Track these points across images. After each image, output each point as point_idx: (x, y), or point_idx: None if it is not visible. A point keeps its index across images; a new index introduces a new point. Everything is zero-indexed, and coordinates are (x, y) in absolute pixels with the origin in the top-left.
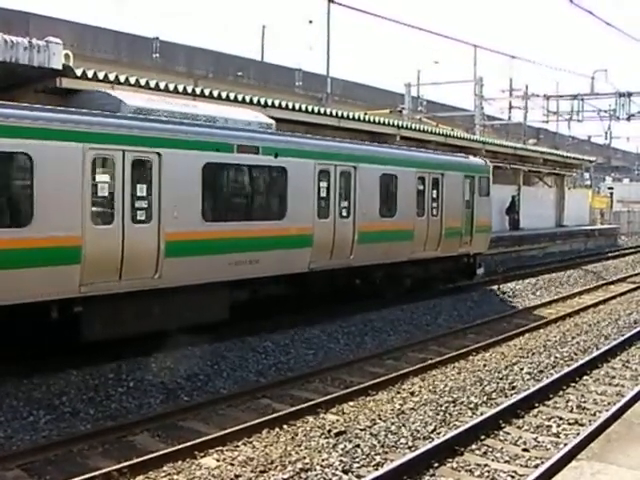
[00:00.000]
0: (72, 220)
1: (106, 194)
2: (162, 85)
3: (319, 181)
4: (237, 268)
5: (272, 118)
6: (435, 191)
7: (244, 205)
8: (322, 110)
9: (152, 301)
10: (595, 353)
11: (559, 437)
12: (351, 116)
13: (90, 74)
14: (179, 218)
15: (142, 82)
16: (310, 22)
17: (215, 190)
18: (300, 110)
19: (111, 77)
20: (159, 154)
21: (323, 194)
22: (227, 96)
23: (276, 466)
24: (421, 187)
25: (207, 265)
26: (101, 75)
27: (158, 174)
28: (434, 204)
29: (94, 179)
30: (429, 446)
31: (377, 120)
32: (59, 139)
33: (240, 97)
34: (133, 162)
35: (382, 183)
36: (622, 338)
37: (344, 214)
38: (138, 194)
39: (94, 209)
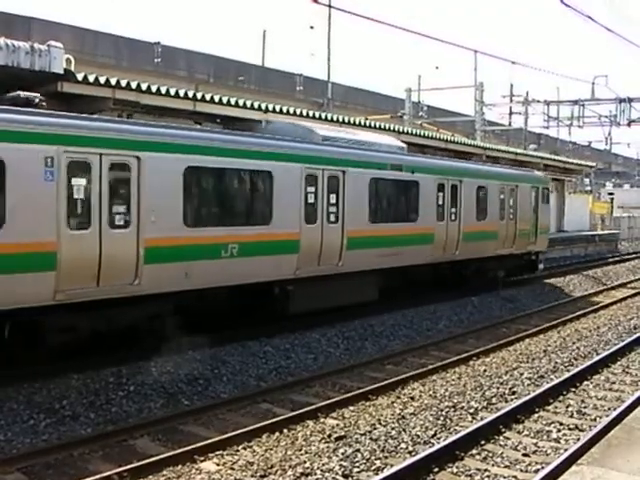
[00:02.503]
0: (293, 221)
1: (312, 201)
2: (163, 90)
3: (438, 192)
4: (387, 259)
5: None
6: (512, 199)
7: (392, 211)
8: (323, 115)
9: (334, 283)
10: (595, 358)
11: (559, 442)
12: (352, 121)
13: (91, 79)
14: (356, 219)
15: (143, 87)
16: (311, 27)
17: (377, 199)
18: (301, 115)
19: (112, 82)
20: (344, 172)
21: (440, 202)
22: (228, 100)
23: (276, 470)
24: (502, 196)
25: (369, 256)
26: (102, 79)
27: (343, 188)
28: (511, 210)
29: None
30: (429, 451)
31: (378, 125)
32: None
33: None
34: (328, 178)
35: (478, 194)
36: (622, 343)
37: (452, 218)
38: (330, 202)
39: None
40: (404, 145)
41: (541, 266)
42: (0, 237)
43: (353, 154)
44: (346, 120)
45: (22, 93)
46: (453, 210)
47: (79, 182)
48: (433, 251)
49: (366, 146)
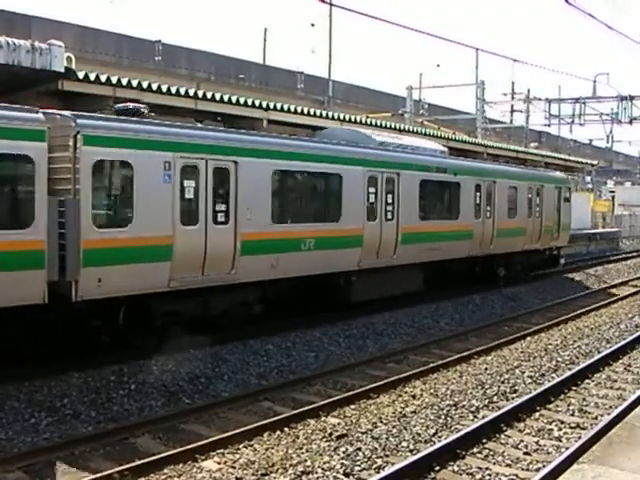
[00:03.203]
0: (357, 218)
1: (373, 200)
2: (164, 88)
3: (475, 192)
4: (432, 253)
5: (277, 122)
6: (538, 198)
7: (438, 209)
8: (324, 113)
9: (388, 275)
10: (597, 357)
11: (561, 441)
12: (353, 119)
13: (92, 77)
14: (408, 217)
15: (144, 85)
16: (312, 25)
17: (425, 198)
18: (302, 113)
19: (113, 80)
20: (398, 174)
21: (477, 201)
22: (229, 99)
23: (277, 469)
24: (530, 195)
25: (418, 250)
26: (103, 78)
27: (398, 188)
28: (537, 208)
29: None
30: (430, 449)
31: (379, 123)
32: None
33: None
34: (386, 180)
35: (509, 194)
36: (624, 342)
37: (488, 216)
38: (387, 201)
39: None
40: (446, 149)
41: (562, 261)
42: (128, 232)
43: (406, 158)
44: (347, 118)
45: (131, 104)
46: (488, 208)
47: (189, 184)
48: (471, 246)
49: (415, 150)
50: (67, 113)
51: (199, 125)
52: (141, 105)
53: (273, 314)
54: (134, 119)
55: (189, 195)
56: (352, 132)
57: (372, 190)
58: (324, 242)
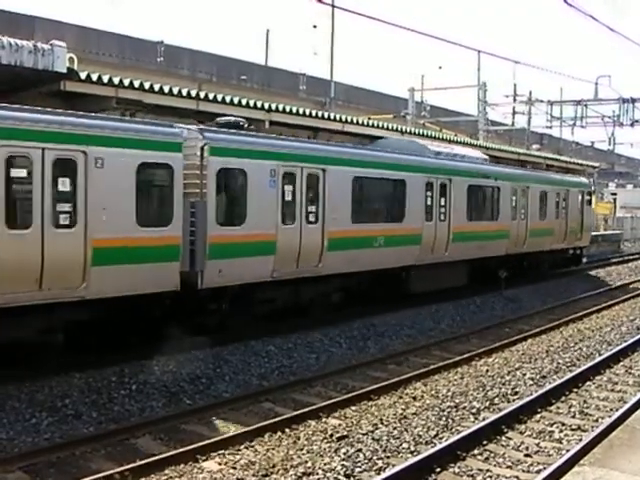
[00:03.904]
0: (417, 218)
1: (430, 203)
2: (166, 89)
3: (512, 195)
4: (475, 251)
5: (279, 123)
6: (564, 202)
7: (481, 211)
8: (326, 115)
9: (439, 270)
10: (598, 359)
11: (561, 443)
12: (355, 121)
13: (94, 77)
14: (458, 218)
15: (146, 86)
16: (314, 27)
17: (471, 201)
18: (304, 114)
19: (115, 81)
20: (450, 180)
21: (514, 204)
22: (231, 100)
23: (278, 470)
24: (557, 199)
25: (465, 248)
26: (105, 78)
27: (449, 193)
28: (564, 211)
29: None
30: (431, 451)
31: (381, 125)
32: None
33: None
34: (440, 185)
35: (541, 197)
36: (625, 344)
37: (522, 217)
38: (441, 204)
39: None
40: (487, 157)
41: (584, 259)
42: (242, 229)
43: (457, 166)
44: (349, 119)
45: (232, 118)
46: (523, 210)
47: (289, 188)
48: (508, 245)
49: (463, 159)
50: (194, 127)
51: (293, 138)
52: (240, 119)
53: (349, 303)
54: (246, 132)
55: (288, 198)
56: (410, 142)
57: (429, 194)
58: (391, 240)
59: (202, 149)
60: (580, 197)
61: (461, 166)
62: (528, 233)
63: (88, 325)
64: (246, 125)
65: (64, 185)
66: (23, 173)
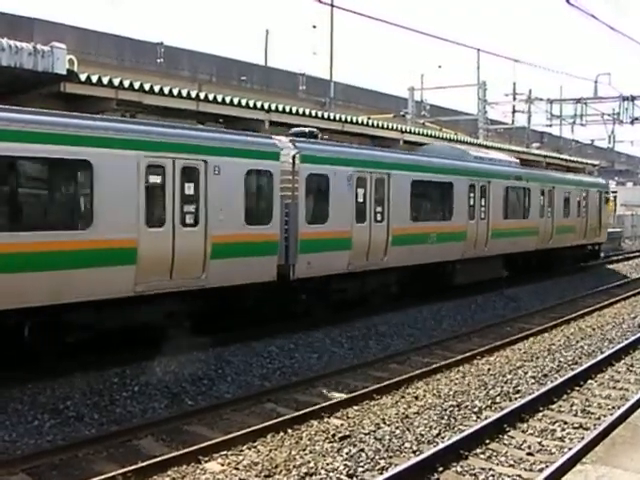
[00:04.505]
0: (462, 217)
1: (472, 203)
2: (166, 90)
3: (540, 196)
4: (510, 246)
5: (279, 123)
6: (585, 201)
7: (514, 210)
8: (326, 115)
9: (479, 264)
10: (599, 357)
11: (564, 441)
12: (355, 120)
13: (94, 79)
14: (496, 216)
15: (146, 87)
16: (314, 27)
17: (507, 201)
18: (304, 114)
19: (115, 82)
20: (489, 182)
21: (541, 203)
22: (231, 100)
23: (281, 470)
24: (579, 199)
25: (502, 244)
26: (105, 80)
27: (488, 194)
28: (584, 209)
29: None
30: (434, 450)
31: (381, 124)
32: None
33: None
34: (481, 187)
35: (565, 197)
36: (626, 342)
37: (549, 215)
38: (481, 204)
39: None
40: (518, 160)
41: (602, 254)
42: (325, 227)
43: (494, 169)
44: (349, 119)
45: (306, 129)
46: (549, 209)
47: (360, 191)
48: (537, 241)
49: (499, 163)
50: (285, 138)
51: (364, 146)
52: (314, 129)
53: (404, 293)
54: (325, 142)
55: (360, 200)
56: (452, 148)
57: (471, 195)
58: (441, 236)
59: (294, 157)
60: (598, 196)
61: (498, 169)
62: (554, 230)
63: (203, 311)
64: (319, 135)
65: (189, 190)
66: (158, 180)
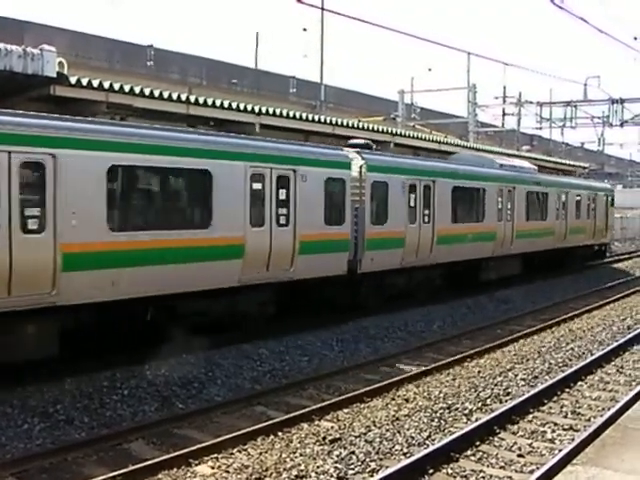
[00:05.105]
0: (491, 219)
1: (500, 207)
2: (156, 93)
3: (556, 199)
4: (529, 245)
5: (269, 127)
6: (593, 204)
7: (534, 212)
8: (316, 118)
9: (504, 261)
10: (589, 359)
11: (554, 442)
12: (345, 123)
13: (84, 82)
14: (519, 218)
15: (136, 90)
16: (304, 30)
17: (528, 204)
18: (295, 117)
19: (105, 85)
20: (514, 187)
21: (557, 206)
22: (221, 104)
23: (271, 473)
24: (588, 202)
25: (523, 243)
26: (95, 83)
27: (513, 198)
28: (593, 212)
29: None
30: (424, 452)
31: (371, 127)
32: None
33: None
34: (507, 191)
35: (577, 200)
36: (616, 344)
37: (563, 217)
38: (507, 207)
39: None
40: (536, 167)
41: (607, 254)
42: (384, 228)
43: (518, 176)
44: (339, 122)
45: (362, 141)
46: (563, 211)
47: (412, 196)
48: (553, 240)
49: (521, 170)
50: (353, 150)
51: (407, 156)
52: (368, 141)
53: (444, 286)
54: (384, 153)
55: (412, 204)
56: (480, 157)
57: (500, 199)
58: (476, 236)
59: (361, 167)
60: (605, 200)
61: (521, 176)
62: (568, 231)
63: (287, 301)
64: (374, 146)
65: (282, 195)
66: (260, 186)
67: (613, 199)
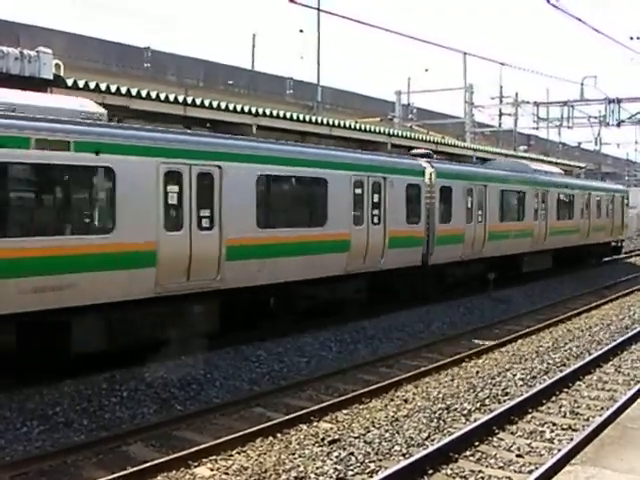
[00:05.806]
0: (530, 217)
1: (536, 207)
2: (153, 94)
3: (582, 200)
4: (558, 242)
5: (266, 128)
6: (611, 205)
7: (563, 212)
8: (313, 119)
9: (537, 256)
10: (587, 358)
11: (553, 442)
12: (342, 124)
13: (81, 84)
14: (552, 217)
15: (133, 92)
16: (301, 31)
17: (559, 205)
18: (292, 119)
19: (102, 87)
20: (547, 191)
21: (581, 206)
22: (218, 105)
23: (270, 475)
24: (607, 202)
25: (554, 240)
26: (92, 85)
27: (546, 200)
28: (611, 211)
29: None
30: (423, 453)
31: (368, 128)
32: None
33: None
34: (542, 194)
35: (598, 202)
36: (614, 343)
37: (587, 216)
38: (541, 207)
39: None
40: (563, 172)
41: (623, 250)
42: (449, 226)
43: (550, 180)
44: (336, 123)
45: (423, 150)
46: (587, 211)
47: (469, 199)
48: (579, 237)
49: (552, 174)
50: (424, 160)
51: (470, 164)
52: (429, 150)
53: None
54: (448, 161)
55: (469, 206)
56: (515, 163)
57: (536, 200)
58: (517, 234)
59: (431, 174)
60: (621, 200)
61: (553, 180)
62: (590, 229)
63: (374, 288)
64: (433, 155)
65: (376, 198)
66: (360, 191)
67: (628, 199)
